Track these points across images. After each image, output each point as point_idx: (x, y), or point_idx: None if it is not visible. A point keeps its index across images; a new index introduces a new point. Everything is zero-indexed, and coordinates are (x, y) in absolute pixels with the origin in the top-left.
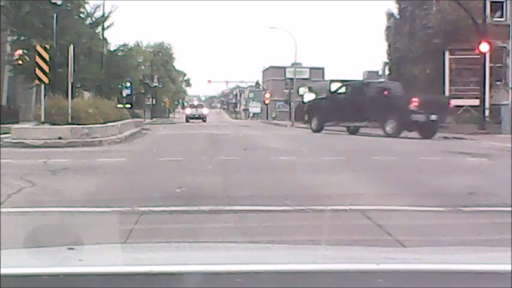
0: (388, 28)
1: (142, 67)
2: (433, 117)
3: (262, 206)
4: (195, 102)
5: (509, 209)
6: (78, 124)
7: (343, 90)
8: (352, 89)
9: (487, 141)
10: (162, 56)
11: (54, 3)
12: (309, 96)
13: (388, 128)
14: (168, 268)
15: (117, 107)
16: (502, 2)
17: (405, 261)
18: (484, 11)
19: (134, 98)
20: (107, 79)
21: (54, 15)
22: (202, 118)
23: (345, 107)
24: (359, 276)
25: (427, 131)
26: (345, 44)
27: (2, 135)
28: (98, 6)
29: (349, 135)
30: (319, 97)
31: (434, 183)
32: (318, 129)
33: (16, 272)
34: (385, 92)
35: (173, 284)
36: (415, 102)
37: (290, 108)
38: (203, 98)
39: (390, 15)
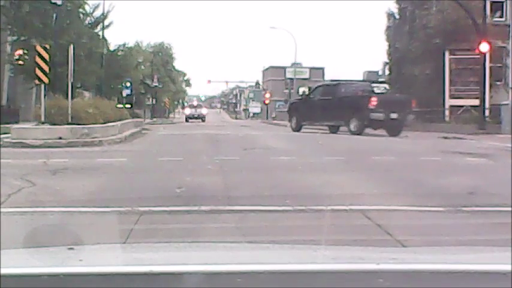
0: (388, 28)
1: (142, 67)
2: (393, 115)
3: (262, 206)
4: (195, 103)
5: (509, 209)
6: (78, 124)
7: (318, 91)
8: (324, 90)
9: (487, 141)
10: (162, 56)
11: (54, 3)
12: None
13: (352, 126)
14: (168, 268)
15: (117, 107)
16: (502, 2)
17: (405, 261)
18: (484, 11)
19: (134, 98)
20: (107, 79)
21: (54, 15)
22: (202, 118)
23: (318, 107)
24: (359, 276)
25: (392, 128)
26: (345, 44)
27: (2, 135)
28: (97, 6)
29: (330, 133)
30: (298, 98)
31: (434, 183)
32: (297, 129)
33: (16, 272)
34: (360, 93)
35: (173, 284)
36: (373, 102)
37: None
38: (203, 98)
39: (390, 15)
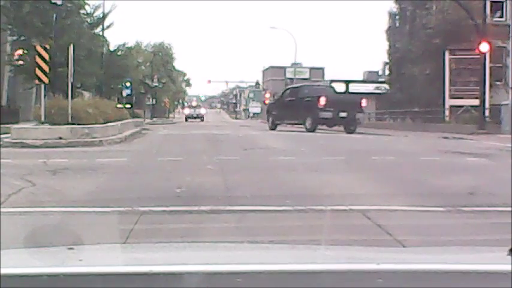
0: (389, 28)
1: (142, 67)
2: (343, 114)
3: (262, 206)
4: (194, 103)
5: (509, 209)
6: (78, 124)
7: (286, 93)
8: (290, 92)
9: (487, 141)
10: (162, 56)
11: (54, 3)
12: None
13: (307, 124)
14: (168, 268)
15: (117, 107)
16: (502, 2)
17: (405, 261)
18: (484, 11)
19: (134, 98)
20: (107, 79)
21: (54, 15)
22: (200, 118)
23: (286, 108)
24: (359, 276)
25: (346, 126)
26: (345, 44)
27: (2, 135)
28: (98, 6)
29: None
30: (273, 100)
31: (434, 183)
32: (273, 128)
33: (16, 272)
34: (321, 94)
35: (173, 284)
36: (322, 102)
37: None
38: (203, 98)
39: (393, 15)
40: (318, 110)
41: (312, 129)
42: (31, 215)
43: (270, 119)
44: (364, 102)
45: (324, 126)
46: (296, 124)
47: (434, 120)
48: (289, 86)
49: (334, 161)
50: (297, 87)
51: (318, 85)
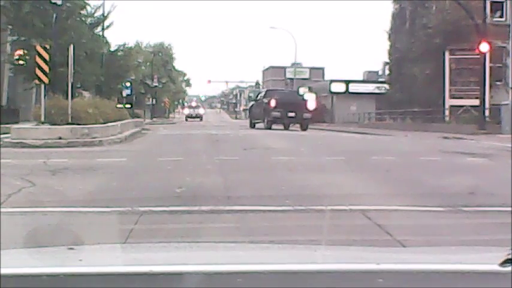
0: (390, 28)
1: (143, 67)
2: (291, 114)
3: (262, 206)
4: (193, 103)
5: (509, 209)
6: (78, 124)
7: (259, 96)
8: (259, 95)
9: (487, 141)
10: (162, 56)
11: (54, 3)
12: (309, 97)
13: (265, 123)
14: (168, 268)
15: (117, 107)
16: (502, 2)
17: (405, 261)
18: (484, 11)
19: (134, 98)
20: (107, 79)
21: (54, 15)
22: (200, 117)
23: (257, 109)
24: (359, 276)
25: (302, 126)
26: (345, 44)
27: (2, 135)
28: (98, 7)
29: (284, 130)
30: (253, 101)
31: (434, 183)
32: (252, 126)
33: (16, 272)
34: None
35: (173, 284)
36: (272, 104)
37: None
38: (203, 98)
39: (395, 15)
40: (270, 111)
41: (268, 127)
42: (31, 215)
43: (250, 119)
44: (309, 104)
45: (327, 127)
46: (261, 123)
47: (434, 120)
48: (260, 90)
49: (334, 161)
50: (263, 91)
51: (282, 90)
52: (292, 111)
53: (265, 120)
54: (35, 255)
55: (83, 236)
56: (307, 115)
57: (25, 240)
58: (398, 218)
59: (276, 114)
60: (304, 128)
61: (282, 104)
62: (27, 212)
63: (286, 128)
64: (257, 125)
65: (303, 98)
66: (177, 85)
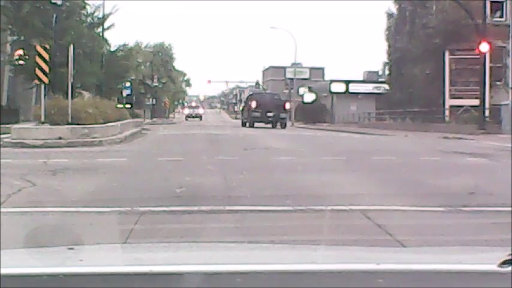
0: (388, 28)
1: (142, 67)
2: (270, 114)
3: (262, 206)
4: (193, 104)
5: (509, 209)
6: (78, 124)
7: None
8: (247, 98)
9: (487, 141)
10: (162, 56)
11: (54, 3)
12: (309, 97)
13: (248, 122)
14: (168, 268)
15: (117, 107)
16: (502, 2)
17: (405, 261)
18: (484, 11)
19: (134, 98)
20: (107, 79)
21: (54, 15)
22: (199, 117)
23: (245, 110)
24: (359, 276)
25: (279, 123)
26: (345, 44)
27: (2, 135)
28: (98, 7)
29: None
30: (244, 103)
31: (434, 183)
32: (243, 125)
33: (16, 272)
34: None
35: (173, 284)
36: (252, 105)
37: (290, 109)
38: (202, 98)
39: (390, 15)
40: (251, 111)
41: (251, 125)
42: (31, 215)
43: (241, 119)
44: (287, 105)
45: (327, 127)
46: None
47: (434, 120)
48: (249, 93)
49: (334, 161)
50: (249, 94)
51: (263, 93)
52: (270, 111)
53: (249, 120)
54: (35, 255)
55: (83, 236)
56: (283, 115)
57: (25, 240)
58: (398, 218)
59: (256, 114)
60: (282, 127)
61: (261, 105)
62: (27, 212)
63: (274, 126)
64: (256, 124)
65: (280, 100)
66: (177, 85)
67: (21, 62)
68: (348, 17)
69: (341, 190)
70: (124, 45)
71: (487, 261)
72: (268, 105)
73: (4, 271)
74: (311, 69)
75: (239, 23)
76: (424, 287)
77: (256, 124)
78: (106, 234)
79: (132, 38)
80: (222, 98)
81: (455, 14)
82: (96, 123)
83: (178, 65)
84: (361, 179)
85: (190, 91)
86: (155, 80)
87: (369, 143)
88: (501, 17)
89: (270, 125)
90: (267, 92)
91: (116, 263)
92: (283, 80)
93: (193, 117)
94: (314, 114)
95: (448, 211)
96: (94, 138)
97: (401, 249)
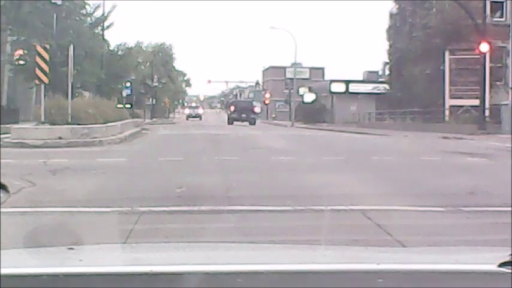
0: (389, 28)
1: (142, 67)
2: (243, 116)
3: (262, 206)
4: (193, 104)
5: (509, 209)
6: (78, 124)
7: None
8: (229, 104)
9: (487, 141)
10: (162, 56)
11: (54, 3)
12: (309, 97)
13: (229, 121)
14: (168, 268)
15: (117, 107)
16: (502, 2)
17: (405, 261)
18: (484, 11)
19: (134, 98)
20: (107, 79)
21: (54, 15)
22: (199, 116)
23: (233, 112)
24: (359, 276)
25: (250, 122)
26: (345, 44)
27: (2, 135)
28: (98, 6)
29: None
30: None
31: (434, 183)
32: (228, 123)
33: (16, 272)
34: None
35: (173, 284)
36: (231, 108)
37: (290, 109)
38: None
39: (393, 15)
40: (230, 113)
41: (231, 123)
42: (31, 215)
43: (227, 119)
44: (256, 109)
45: (327, 127)
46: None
47: (435, 120)
48: (230, 101)
49: (334, 161)
50: (230, 101)
51: (240, 100)
52: (243, 114)
53: (229, 119)
54: (35, 255)
55: (83, 236)
56: (253, 115)
57: (25, 240)
58: (398, 218)
59: (234, 115)
60: (252, 123)
61: (237, 109)
62: (27, 212)
63: (252, 124)
64: (235, 122)
65: (252, 105)
66: (177, 85)
67: (21, 62)
68: (348, 17)
69: (341, 190)
70: (124, 45)
71: (487, 261)
72: (242, 109)
73: (4, 271)
74: (311, 69)
75: (239, 23)
76: (424, 287)
77: (235, 123)
78: (106, 234)
79: (133, 38)
80: (222, 98)
81: (455, 14)
82: (96, 123)
83: (178, 65)
84: (361, 179)
85: (190, 91)
86: (155, 80)
87: (369, 143)
88: (501, 17)
89: (247, 123)
90: (243, 99)
91: (115, 263)
92: (283, 80)
93: (193, 116)
94: (314, 114)
95: (448, 211)
96: (94, 138)
97: (401, 249)
